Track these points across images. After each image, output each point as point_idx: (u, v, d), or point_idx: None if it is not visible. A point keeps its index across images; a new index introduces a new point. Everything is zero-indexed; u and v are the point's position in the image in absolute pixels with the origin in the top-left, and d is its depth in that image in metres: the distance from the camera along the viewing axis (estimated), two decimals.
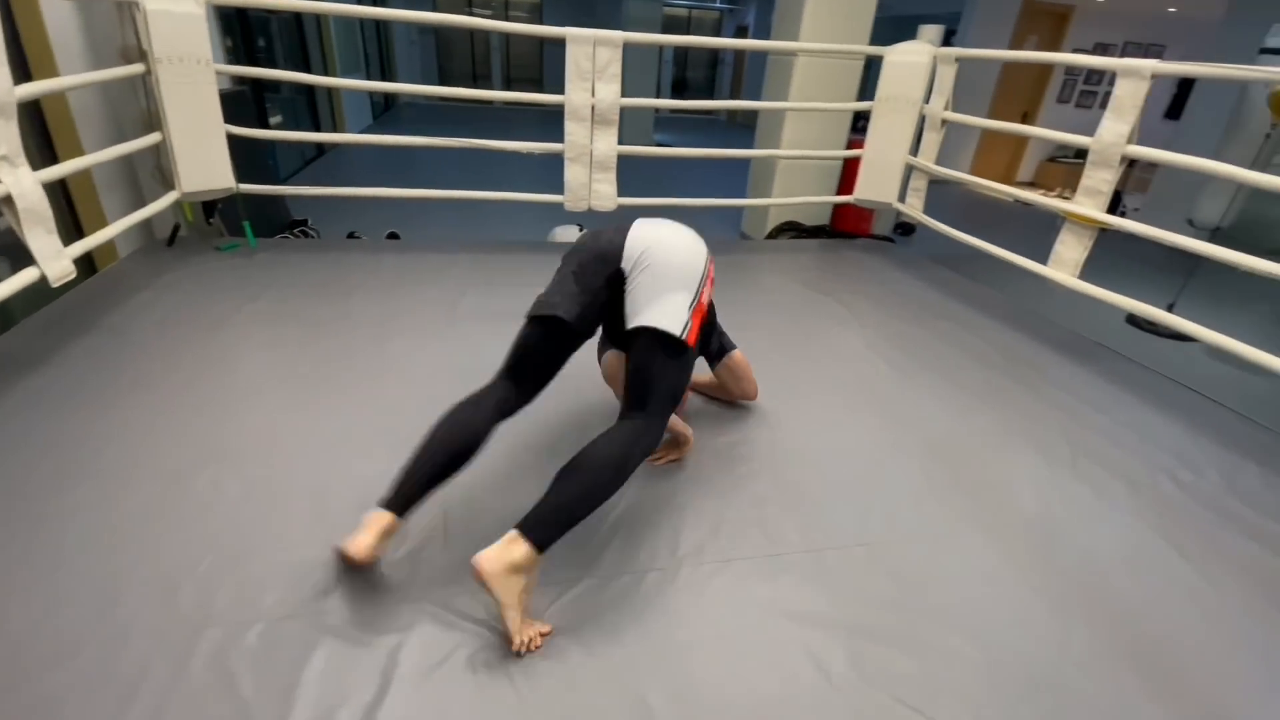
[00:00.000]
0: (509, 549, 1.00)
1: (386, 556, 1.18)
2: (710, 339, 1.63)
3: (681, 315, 1.18)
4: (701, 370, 1.67)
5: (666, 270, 1.20)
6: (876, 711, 0.99)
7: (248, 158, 2.79)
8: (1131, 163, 2.16)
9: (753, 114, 4.26)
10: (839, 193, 4.13)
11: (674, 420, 1.46)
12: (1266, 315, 3.85)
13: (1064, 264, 2.37)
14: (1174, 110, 9.68)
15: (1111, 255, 2.73)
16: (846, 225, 4.24)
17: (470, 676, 0.99)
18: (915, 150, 3.10)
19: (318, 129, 6.57)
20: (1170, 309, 2.24)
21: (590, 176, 2.89)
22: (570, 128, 2.79)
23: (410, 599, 1.11)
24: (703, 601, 1.17)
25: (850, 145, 3.96)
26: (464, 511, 1.31)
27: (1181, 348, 3.11)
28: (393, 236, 3.41)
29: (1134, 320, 3.62)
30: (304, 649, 1.01)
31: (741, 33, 13.63)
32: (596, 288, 1.24)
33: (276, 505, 1.31)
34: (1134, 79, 2.06)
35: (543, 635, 1.06)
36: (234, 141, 2.57)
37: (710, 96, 14.90)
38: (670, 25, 12.94)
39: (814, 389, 1.93)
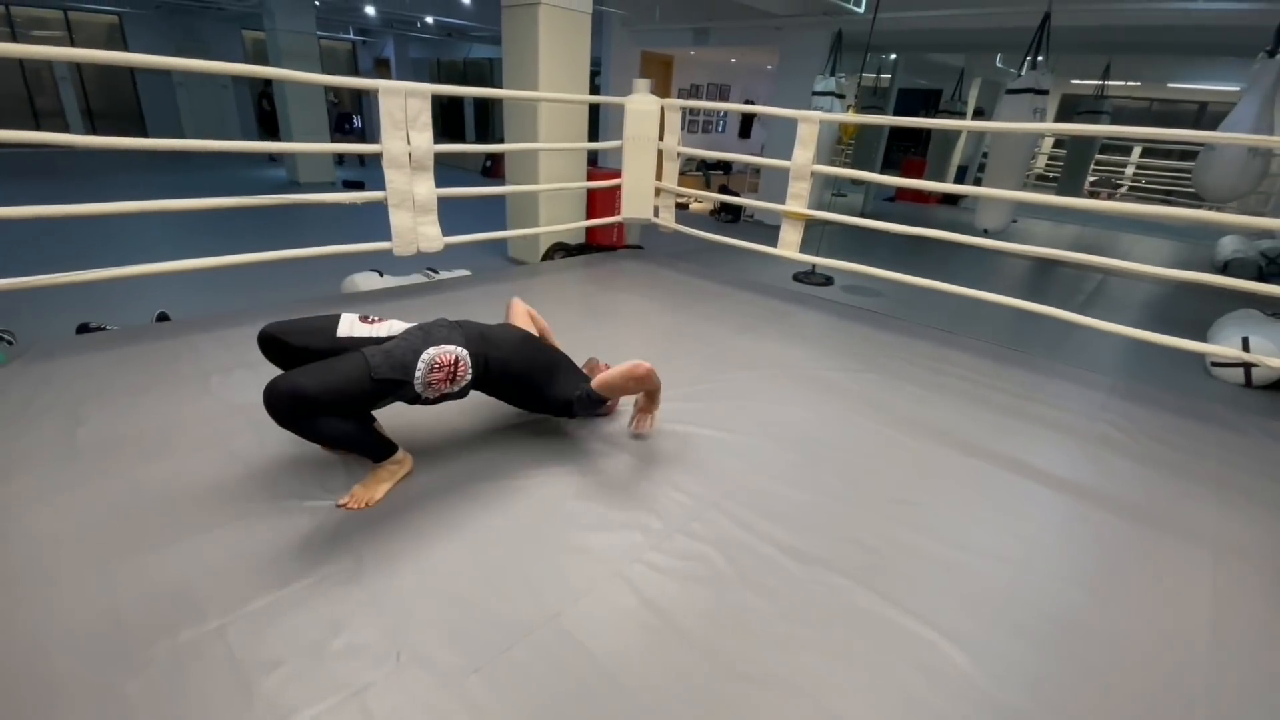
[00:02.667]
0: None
1: None
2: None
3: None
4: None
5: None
6: None
7: None
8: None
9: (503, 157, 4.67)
10: (588, 216, 4.86)
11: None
12: (884, 256, 5.94)
13: (789, 245, 3.47)
14: (744, 132, 13.09)
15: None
16: (599, 240, 4.99)
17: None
18: (660, 176, 3.97)
19: None
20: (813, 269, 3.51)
21: (415, 220, 2.98)
22: (391, 175, 2.84)
23: None
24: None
25: (590, 175, 4.70)
26: None
27: (831, 289, 4.69)
28: (162, 318, 2.86)
29: (797, 277, 5.20)
30: None
31: (382, 65, 13.41)
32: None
33: None
34: (809, 124, 3.21)
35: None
36: None
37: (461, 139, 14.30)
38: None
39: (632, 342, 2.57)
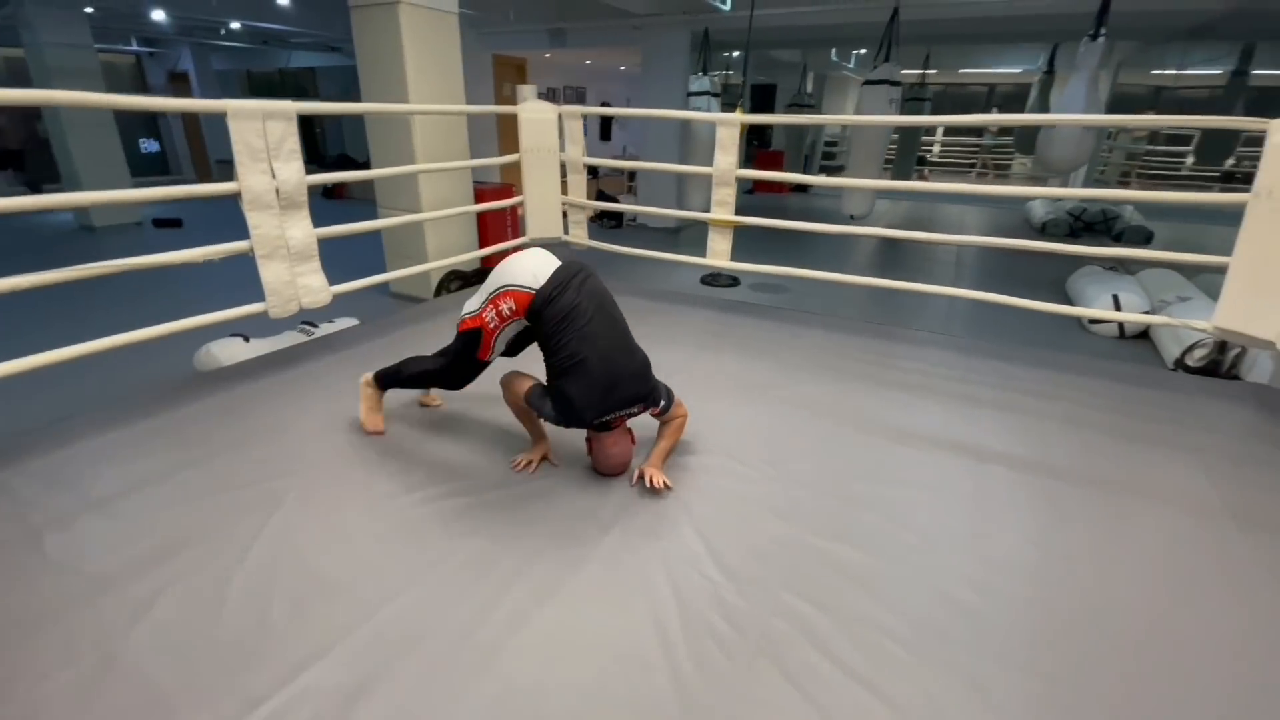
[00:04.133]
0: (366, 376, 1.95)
1: None
2: (512, 352, 1.87)
3: (463, 310, 1.80)
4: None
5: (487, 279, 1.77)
6: None
7: None
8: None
9: (366, 187, 4.05)
10: (480, 238, 4.37)
11: (538, 426, 1.80)
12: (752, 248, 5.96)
13: (719, 254, 3.28)
14: (605, 134, 12.97)
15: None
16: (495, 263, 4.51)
17: None
18: (566, 190, 3.62)
19: None
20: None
21: (292, 272, 2.39)
22: (255, 220, 2.24)
23: None
24: None
25: (479, 194, 4.23)
26: None
27: (740, 289, 4.62)
28: None
29: (704, 280, 5.09)
30: None
31: (179, 79, 11.57)
32: None
33: None
34: (728, 127, 3.03)
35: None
36: None
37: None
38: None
39: None
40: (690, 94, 5.96)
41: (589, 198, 3.73)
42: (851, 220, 5.34)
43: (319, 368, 2.48)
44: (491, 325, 1.70)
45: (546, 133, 3.45)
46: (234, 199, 2.22)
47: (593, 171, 10.15)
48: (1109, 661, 1.23)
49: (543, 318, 1.62)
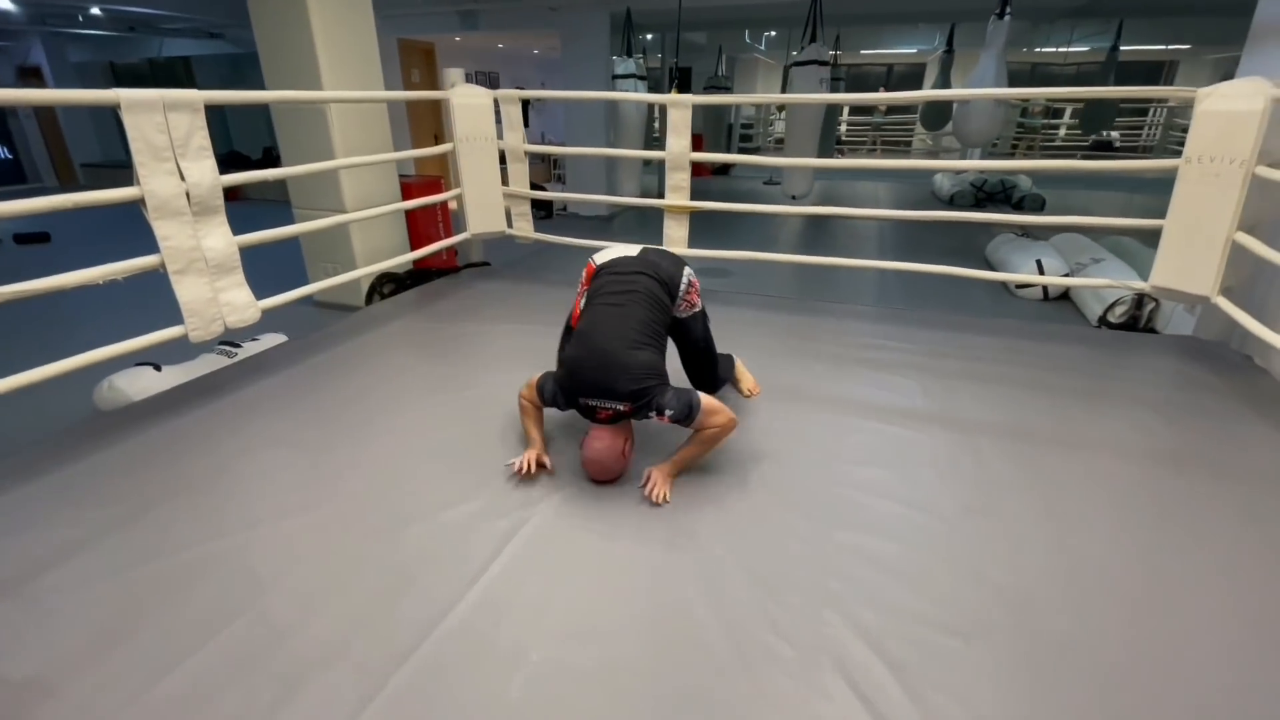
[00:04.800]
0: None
1: None
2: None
3: None
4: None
5: None
6: None
7: None
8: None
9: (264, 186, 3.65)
10: (411, 236, 4.07)
11: (534, 429, 1.73)
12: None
13: (675, 241, 3.18)
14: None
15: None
16: (430, 263, 4.21)
17: None
18: (506, 180, 3.40)
19: None
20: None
21: (213, 287, 2.08)
22: (165, 229, 1.92)
23: None
24: None
25: (406, 189, 3.92)
26: None
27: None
28: None
29: None
30: None
31: (30, 74, 10.17)
32: None
33: None
34: (680, 108, 2.92)
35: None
36: None
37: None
38: None
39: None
40: (616, 76, 5.80)
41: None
42: (794, 200, 5.39)
43: (252, 394, 2.19)
44: (578, 293, 1.80)
45: (482, 119, 3.22)
46: (125, 207, 1.89)
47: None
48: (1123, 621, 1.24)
49: (589, 294, 1.72)
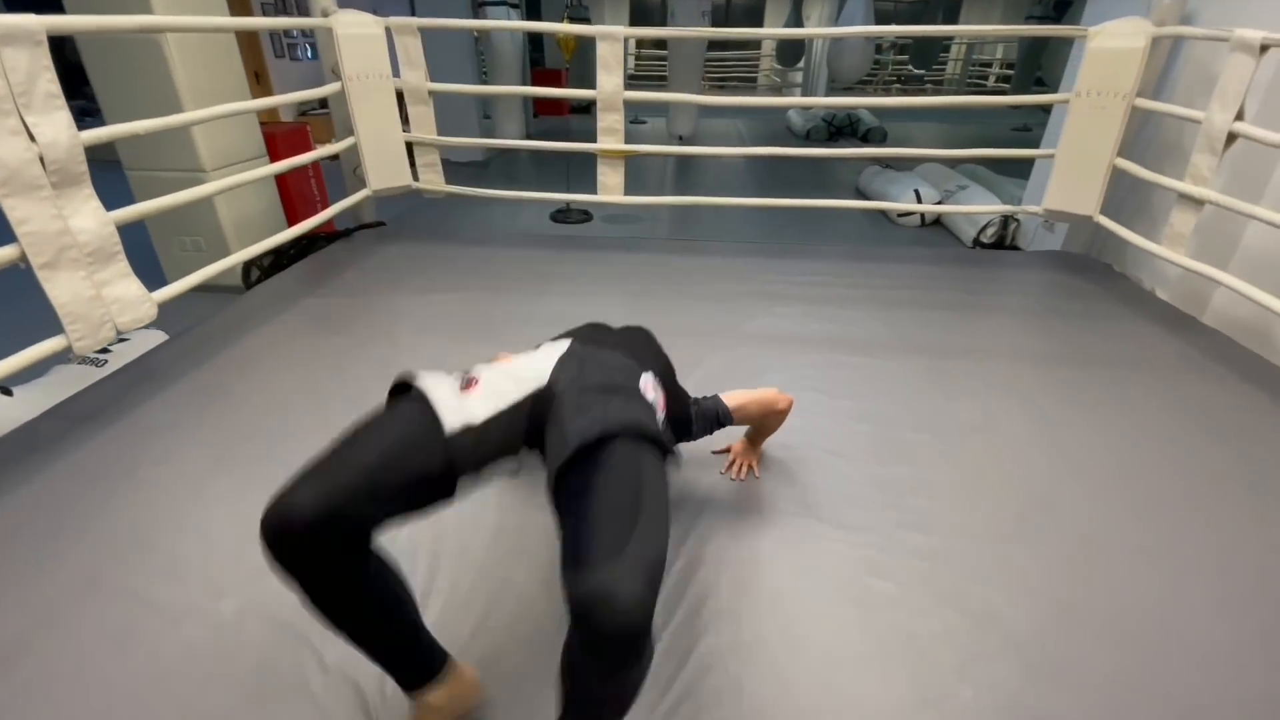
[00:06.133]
0: None
1: None
2: None
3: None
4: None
5: None
6: None
7: None
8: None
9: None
10: (284, 200, 3.46)
11: None
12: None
13: (611, 189, 3.01)
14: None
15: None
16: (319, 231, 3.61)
17: None
18: (409, 126, 2.96)
19: None
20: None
21: (94, 281, 1.60)
22: (19, 210, 1.42)
23: None
24: None
25: (271, 141, 3.30)
26: None
27: (594, 224, 4.41)
28: None
29: (554, 217, 4.75)
30: None
31: None
32: None
33: None
34: (610, 41, 2.69)
35: None
36: None
37: None
38: None
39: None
40: (482, 4, 5.24)
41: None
42: (680, 140, 5.32)
43: (149, 413, 1.74)
44: None
45: (374, 53, 2.74)
46: None
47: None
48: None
49: None
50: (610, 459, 0.80)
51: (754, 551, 1.30)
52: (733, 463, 1.49)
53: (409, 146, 2.99)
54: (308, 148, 3.58)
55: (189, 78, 2.73)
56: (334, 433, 0.81)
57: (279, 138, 3.31)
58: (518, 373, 0.95)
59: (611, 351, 1.04)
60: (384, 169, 2.94)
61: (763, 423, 1.40)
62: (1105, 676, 1.05)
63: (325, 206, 3.76)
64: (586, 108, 11.27)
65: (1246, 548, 1.34)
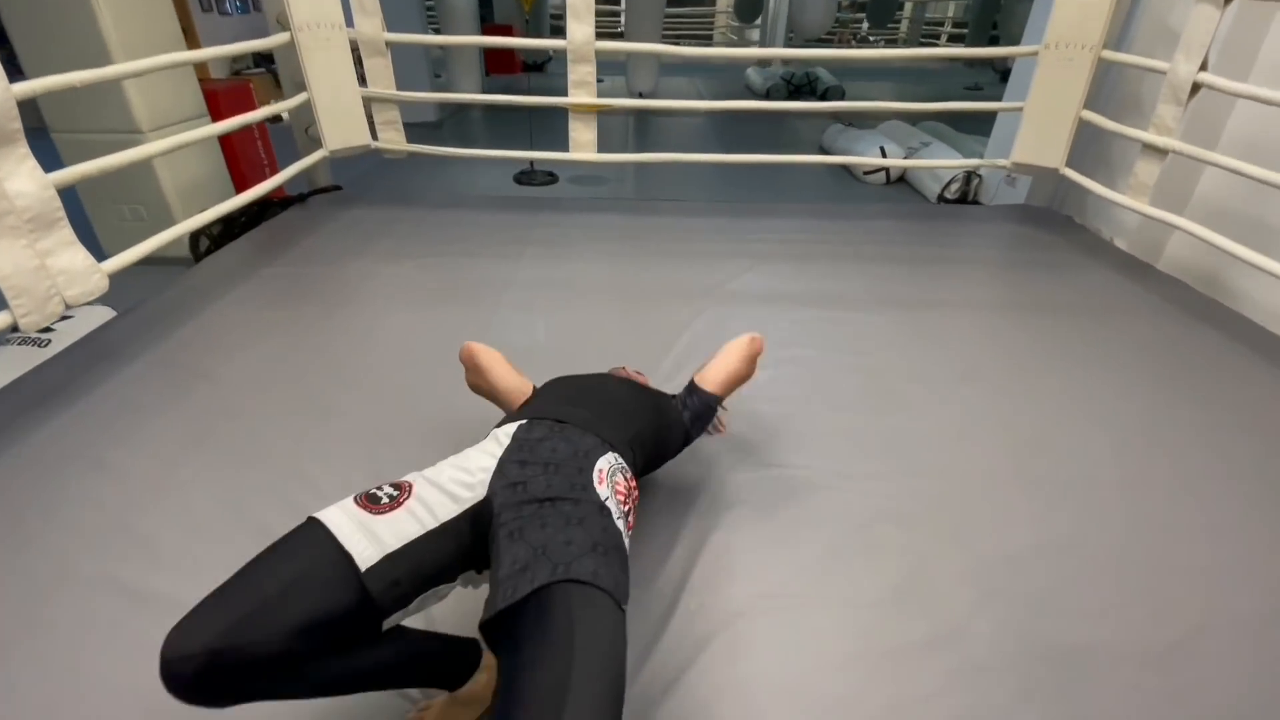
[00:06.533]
0: None
1: None
2: None
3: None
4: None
5: None
6: None
7: None
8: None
9: None
10: (229, 162, 3.24)
11: None
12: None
13: (584, 146, 2.91)
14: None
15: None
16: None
17: None
18: (366, 81, 2.78)
19: None
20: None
21: (35, 250, 1.46)
22: None
23: None
24: None
25: (212, 99, 3.06)
26: None
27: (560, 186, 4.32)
28: None
29: (519, 179, 4.60)
30: None
31: None
32: None
33: None
34: None
35: None
36: None
37: None
38: None
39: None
40: None
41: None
42: (641, 96, 5.19)
43: (111, 393, 1.62)
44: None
45: (325, 1, 2.55)
46: None
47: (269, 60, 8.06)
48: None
49: None
50: (543, 617, 0.68)
51: (765, 503, 1.31)
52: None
53: (366, 104, 2.82)
54: (252, 107, 3.35)
55: (119, 33, 2.50)
56: (314, 407, 0.75)
57: (220, 96, 3.08)
58: (456, 481, 0.84)
59: (565, 432, 0.92)
60: (341, 128, 2.77)
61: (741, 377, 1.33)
62: (1107, 603, 1.10)
63: (274, 171, 3.56)
64: (541, 65, 10.90)
65: (1222, 474, 1.42)
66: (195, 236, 2.97)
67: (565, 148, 2.90)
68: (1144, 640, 1.03)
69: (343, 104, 2.73)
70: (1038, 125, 2.84)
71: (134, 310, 2.08)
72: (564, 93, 2.75)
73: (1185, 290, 2.36)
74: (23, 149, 1.43)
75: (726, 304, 2.15)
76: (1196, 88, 2.20)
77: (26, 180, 1.43)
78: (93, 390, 1.62)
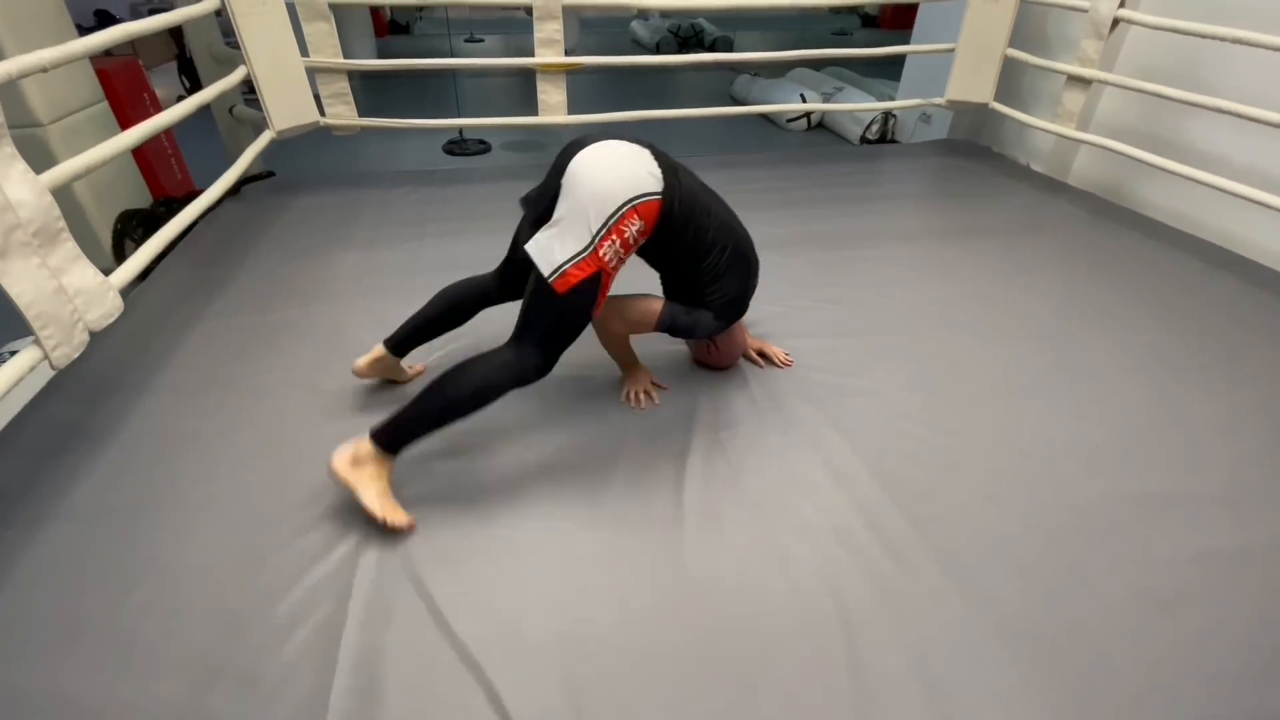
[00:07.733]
0: (355, 445, 1.14)
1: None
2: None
3: (556, 258, 1.13)
4: None
5: (573, 202, 1.14)
6: None
7: None
8: None
9: None
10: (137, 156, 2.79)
11: (632, 353, 1.53)
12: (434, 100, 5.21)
13: (554, 108, 2.81)
14: None
15: None
16: (166, 190, 2.97)
17: None
18: (309, 50, 2.48)
19: None
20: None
21: (49, 268, 1.23)
22: None
23: None
24: None
25: (106, 79, 2.62)
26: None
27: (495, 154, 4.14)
28: None
29: (448, 149, 4.34)
30: None
31: None
32: (544, 206, 1.22)
33: None
34: None
35: (406, 525, 1.14)
36: None
37: None
38: None
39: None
40: None
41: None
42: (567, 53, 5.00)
43: (115, 423, 1.42)
44: (613, 263, 1.17)
45: None
46: None
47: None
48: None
49: (673, 222, 1.23)
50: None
51: (791, 417, 1.49)
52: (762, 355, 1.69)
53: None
54: (144, 85, 2.90)
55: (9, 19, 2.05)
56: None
57: (112, 75, 2.62)
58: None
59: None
60: (287, 105, 2.47)
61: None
62: (1008, 486, 1.34)
63: (179, 160, 3.13)
64: (406, 25, 10.07)
65: (1148, 358, 1.75)
66: (118, 239, 2.58)
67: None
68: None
69: (287, 76, 2.43)
70: (969, 64, 3.10)
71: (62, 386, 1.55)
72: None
73: (1095, 200, 2.79)
74: (9, 149, 1.19)
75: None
76: (1116, 22, 2.51)
77: (23, 187, 1.19)
78: (102, 424, 1.41)
